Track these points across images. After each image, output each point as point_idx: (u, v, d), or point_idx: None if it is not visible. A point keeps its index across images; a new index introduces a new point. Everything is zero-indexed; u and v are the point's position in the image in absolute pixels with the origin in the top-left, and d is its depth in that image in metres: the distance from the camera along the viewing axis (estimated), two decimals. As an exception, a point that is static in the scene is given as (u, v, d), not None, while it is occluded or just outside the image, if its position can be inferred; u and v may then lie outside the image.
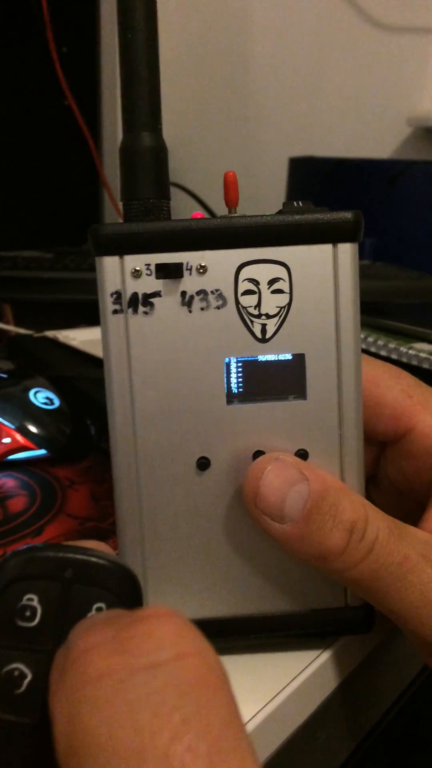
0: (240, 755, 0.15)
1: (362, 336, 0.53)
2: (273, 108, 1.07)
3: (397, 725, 0.39)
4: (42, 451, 0.41)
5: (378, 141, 1.02)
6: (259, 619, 0.26)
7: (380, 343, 0.51)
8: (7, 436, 0.40)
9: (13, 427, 0.40)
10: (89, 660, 0.16)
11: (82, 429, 0.44)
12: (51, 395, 0.43)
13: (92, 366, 0.49)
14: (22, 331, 0.59)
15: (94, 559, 0.19)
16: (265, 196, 1.03)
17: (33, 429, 0.41)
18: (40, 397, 0.42)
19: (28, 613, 0.19)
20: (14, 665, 0.18)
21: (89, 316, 0.58)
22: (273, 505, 0.24)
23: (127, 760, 0.14)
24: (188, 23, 1.02)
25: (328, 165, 0.95)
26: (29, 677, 0.18)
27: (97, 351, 0.50)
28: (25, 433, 0.41)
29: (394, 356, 0.50)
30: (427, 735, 0.44)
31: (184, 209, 0.95)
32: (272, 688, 0.26)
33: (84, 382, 0.47)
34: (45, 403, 0.42)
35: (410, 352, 0.49)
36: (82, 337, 0.53)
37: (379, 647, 0.31)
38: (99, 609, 0.19)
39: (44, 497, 0.38)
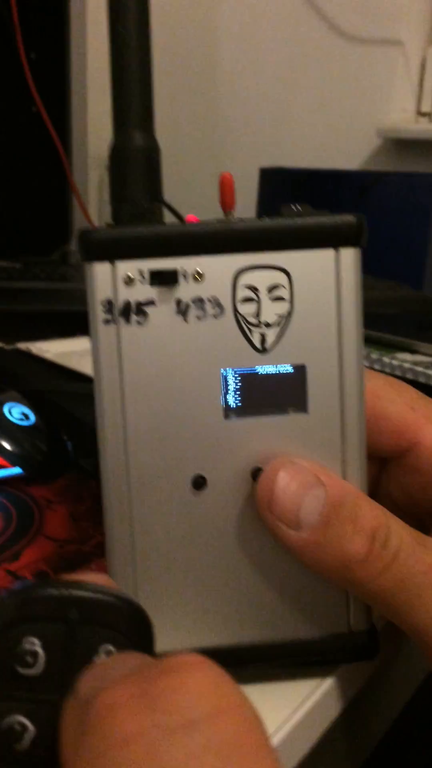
0: None
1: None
2: (243, 119, 1.06)
3: (395, 750, 0.38)
4: (17, 470, 0.39)
5: (348, 152, 1.02)
6: (259, 648, 0.25)
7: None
8: (-20, 453, 0.38)
9: (-14, 444, 0.38)
10: (116, 719, 0.14)
11: (59, 446, 0.42)
12: (26, 410, 0.41)
13: (68, 379, 0.47)
14: (-8, 342, 0.56)
15: (101, 597, 0.17)
16: (236, 205, 1.02)
17: (7, 446, 0.39)
18: (15, 412, 0.40)
19: (29, 659, 0.17)
20: (15, 718, 0.16)
21: (61, 327, 0.56)
22: (289, 510, 0.23)
23: None
24: (156, 33, 1.01)
25: (298, 176, 0.95)
26: (31, 731, 0.16)
27: (73, 364, 0.49)
28: None
29: (377, 366, 0.49)
30: (423, 761, 0.42)
31: (154, 219, 0.94)
32: (273, 721, 0.24)
33: (60, 396, 0.45)
34: (20, 419, 0.40)
35: (393, 362, 0.48)
36: (56, 350, 0.50)
37: (373, 675, 0.30)
38: (108, 652, 0.17)
39: (20, 518, 0.36)
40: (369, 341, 0.54)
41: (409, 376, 0.48)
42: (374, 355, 0.50)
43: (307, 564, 0.23)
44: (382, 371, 0.49)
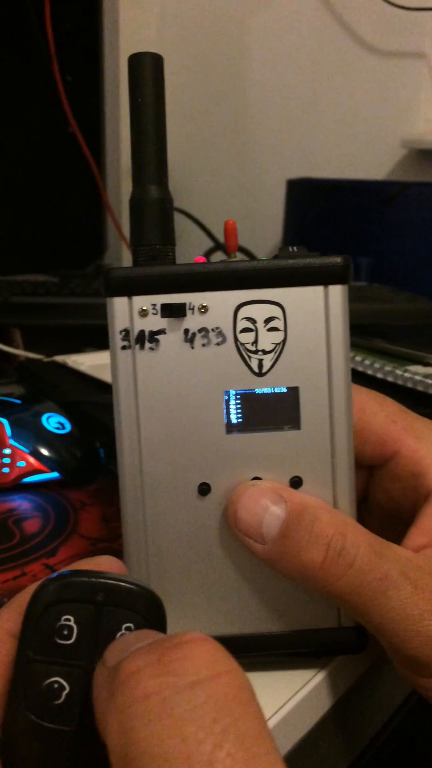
0: (272, 759, 0.17)
1: (359, 358, 0.55)
2: (271, 132, 1.09)
3: (395, 737, 0.40)
4: (54, 474, 0.43)
5: (374, 163, 1.04)
6: (256, 639, 0.28)
7: (376, 365, 0.53)
8: (22, 459, 0.42)
9: (27, 451, 0.42)
10: (138, 681, 0.18)
11: (92, 452, 0.46)
12: (62, 420, 0.45)
13: (101, 391, 0.51)
14: (31, 355, 0.60)
15: (123, 584, 0.21)
16: (264, 216, 1.05)
17: (45, 452, 0.43)
18: (53, 422, 0.44)
19: (65, 632, 0.21)
20: (54, 678, 0.21)
21: (96, 339, 0.60)
22: (250, 526, 0.26)
23: (177, 766, 0.17)
24: (189, 49, 1.05)
25: (324, 186, 0.98)
26: (67, 689, 0.21)
27: (105, 376, 0.52)
28: (39, 456, 0.43)
29: (390, 378, 0.52)
30: (423, 747, 0.45)
31: (184, 231, 0.98)
32: (270, 707, 0.27)
33: (93, 406, 0.49)
34: (57, 428, 0.44)
35: (405, 374, 0.51)
36: (90, 362, 0.54)
37: (373, 667, 0.32)
38: (128, 629, 0.21)
39: (57, 519, 0.40)
40: (382, 353, 0.57)
41: (420, 388, 0.50)
42: (387, 368, 0.53)
43: (276, 571, 0.26)
44: (394, 383, 0.52)
